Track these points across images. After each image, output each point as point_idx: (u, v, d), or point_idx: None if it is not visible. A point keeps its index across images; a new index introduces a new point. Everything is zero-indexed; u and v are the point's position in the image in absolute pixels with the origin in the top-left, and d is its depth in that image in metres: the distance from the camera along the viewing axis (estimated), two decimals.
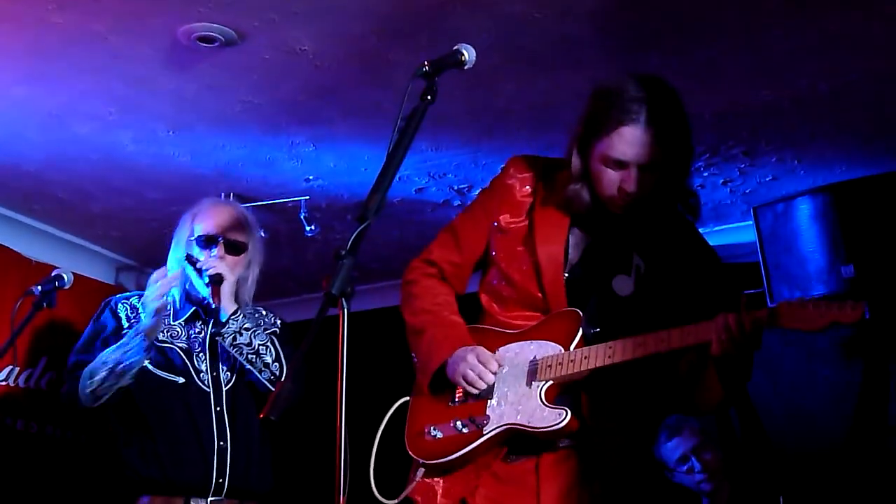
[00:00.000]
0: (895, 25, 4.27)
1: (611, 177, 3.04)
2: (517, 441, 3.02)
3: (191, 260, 4.26)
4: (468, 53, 2.91)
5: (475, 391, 3.05)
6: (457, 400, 3.10)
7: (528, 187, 3.27)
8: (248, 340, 4.19)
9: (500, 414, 3.00)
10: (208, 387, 4.23)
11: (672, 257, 3.13)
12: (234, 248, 4.32)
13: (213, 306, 4.20)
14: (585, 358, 2.95)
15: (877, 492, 5.15)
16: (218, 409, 4.20)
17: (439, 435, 3.07)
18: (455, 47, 2.91)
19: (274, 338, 4.30)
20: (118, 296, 4.46)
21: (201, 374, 4.24)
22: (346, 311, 2.34)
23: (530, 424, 2.94)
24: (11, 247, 6.14)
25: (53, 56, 4.51)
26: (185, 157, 5.56)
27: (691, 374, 2.99)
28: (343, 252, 2.39)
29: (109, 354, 4.12)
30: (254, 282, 4.44)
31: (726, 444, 5.32)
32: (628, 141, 2.99)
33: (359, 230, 2.46)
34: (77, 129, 5.21)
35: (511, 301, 3.21)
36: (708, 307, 2.87)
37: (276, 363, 4.22)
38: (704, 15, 4.23)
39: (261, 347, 4.22)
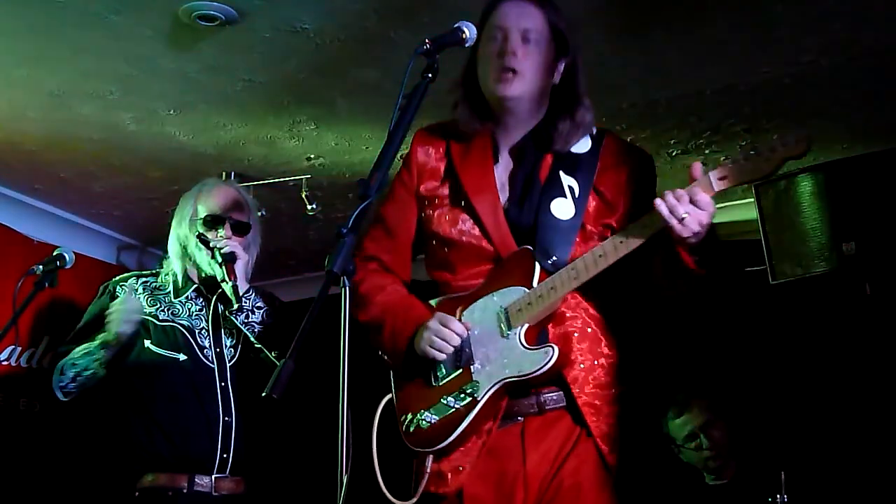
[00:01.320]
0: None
1: (494, 49, 3.06)
2: (519, 390, 2.96)
3: (203, 239, 4.27)
4: (469, 31, 2.90)
5: (444, 356, 2.99)
6: (440, 378, 3.03)
7: (440, 150, 3.25)
8: (260, 319, 4.22)
9: (489, 374, 2.94)
10: (212, 363, 4.25)
11: (601, 171, 3.11)
12: (240, 229, 4.35)
13: (230, 284, 4.18)
14: (552, 289, 2.91)
15: (881, 469, 5.17)
16: (223, 384, 4.22)
17: (434, 419, 3.00)
18: (456, 25, 2.90)
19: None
20: (116, 279, 4.46)
21: (205, 351, 4.25)
22: (347, 289, 2.34)
23: (521, 373, 2.89)
24: (13, 226, 6.14)
25: (55, 36, 4.51)
26: (187, 135, 5.57)
27: (667, 265, 2.91)
28: (344, 230, 2.39)
29: (77, 357, 4.19)
30: (252, 263, 4.44)
31: (732, 421, 5.32)
32: (507, 9, 3.10)
33: (360, 208, 2.45)
34: (79, 108, 5.21)
35: (460, 262, 3.12)
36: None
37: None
38: None
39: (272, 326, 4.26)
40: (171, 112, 5.28)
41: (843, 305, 5.47)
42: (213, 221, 4.32)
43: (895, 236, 4.78)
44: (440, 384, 3.02)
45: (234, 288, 4.19)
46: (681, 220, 2.71)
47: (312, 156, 5.85)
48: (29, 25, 4.43)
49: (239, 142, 5.66)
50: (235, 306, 4.17)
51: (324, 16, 4.38)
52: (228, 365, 4.27)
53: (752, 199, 5.42)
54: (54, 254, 4.32)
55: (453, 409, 2.97)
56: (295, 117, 5.38)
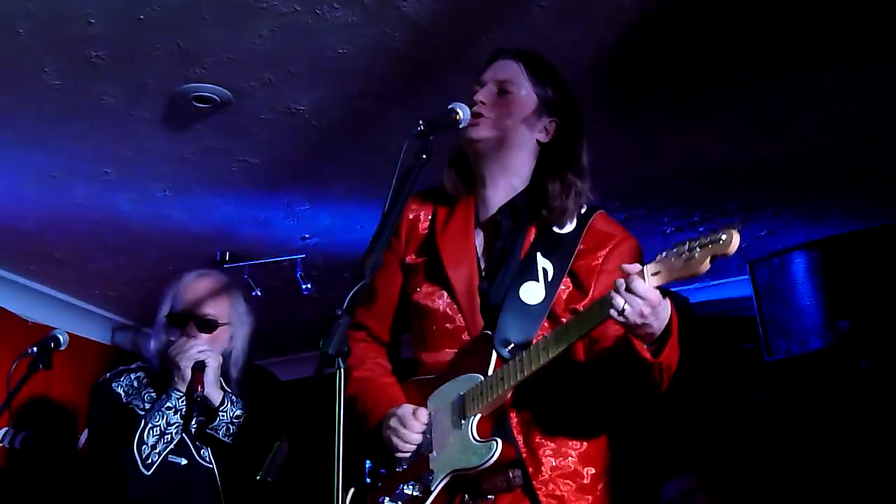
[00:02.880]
0: (888, 76, 4.31)
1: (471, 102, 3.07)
2: (471, 486, 2.86)
3: (169, 346, 4.06)
4: (462, 112, 2.91)
5: (405, 454, 2.92)
6: (402, 463, 2.95)
7: (427, 217, 3.21)
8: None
9: (443, 464, 2.86)
10: (210, 463, 4.11)
11: (580, 253, 3.01)
12: (206, 326, 4.09)
13: (197, 397, 3.93)
14: (501, 379, 2.79)
15: None
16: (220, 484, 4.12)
17: None
18: (450, 106, 2.90)
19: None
20: (107, 377, 4.30)
21: (202, 451, 4.09)
22: (342, 370, 2.33)
23: (469, 465, 2.79)
24: (8, 307, 6.13)
25: (52, 118, 4.54)
26: (182, 216, 5.58)
27: (620, 357, 2.76)
28: (339, 311, 2.38)
29: (154, 420, 3.97)
30: (242, 354, 4.17)
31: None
32: (492, 66, 3.16)
33: (355, 289, 2.43)
34: (75, 190, 5.22)
35: (435, 337, 3.05)
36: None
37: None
38: (698, 71, 4.25)
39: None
40: (167, 192, 5.29)
41: (839, 383, 5.46)
42: (176, 320, 4.10)
43: (890, 313, 4.78)
44: (402, 470, 2.95)
45: (202, 399, 3.94)
46: (620, 312, 2.54)
47: (307, 235, 5.86)
48: (26, 108, 4.46)
49: (234, 221, 5.68)
50: (195, 423, 3.98)
51: (319, 97, 4.42)
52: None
53: (748, 276, 5.42)
54: (48, 335, 4.29)
55: (410, 497, 2.89)
56: (289, 197, 5.40)
